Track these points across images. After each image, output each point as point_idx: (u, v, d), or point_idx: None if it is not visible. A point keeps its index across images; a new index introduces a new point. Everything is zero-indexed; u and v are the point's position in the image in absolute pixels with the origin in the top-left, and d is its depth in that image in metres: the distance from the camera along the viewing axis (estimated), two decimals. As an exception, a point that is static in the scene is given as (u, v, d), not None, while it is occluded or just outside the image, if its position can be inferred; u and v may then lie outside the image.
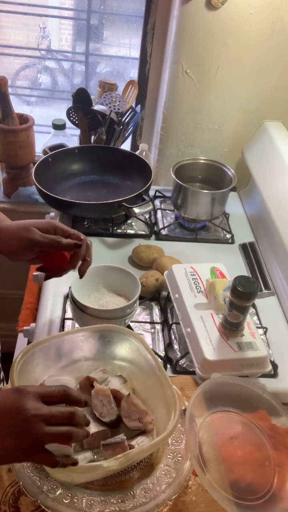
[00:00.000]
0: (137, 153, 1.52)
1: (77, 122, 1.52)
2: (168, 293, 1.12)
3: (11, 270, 1.61)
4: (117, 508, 0.69)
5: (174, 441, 0.79)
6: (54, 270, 0.85)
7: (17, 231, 0.80)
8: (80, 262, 0.85)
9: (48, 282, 1.18)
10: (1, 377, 1.14)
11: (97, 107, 1.49)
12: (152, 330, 1.10)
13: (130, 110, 1.53)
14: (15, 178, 1.66)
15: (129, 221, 1.43)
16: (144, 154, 1.54)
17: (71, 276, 1.02)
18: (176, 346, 1.05)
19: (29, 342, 1.17)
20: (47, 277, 0.87)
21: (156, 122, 1.66)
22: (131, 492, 0.72)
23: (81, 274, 0.86)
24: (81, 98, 1.49)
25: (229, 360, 0.93)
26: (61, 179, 1.47)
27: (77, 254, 0.82)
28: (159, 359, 0.95)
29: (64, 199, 1.28)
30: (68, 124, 1.56)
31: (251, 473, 0.77)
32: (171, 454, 0.77)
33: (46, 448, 0.57)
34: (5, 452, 0.56)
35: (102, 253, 1.30)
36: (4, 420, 0.56)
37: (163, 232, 1.41)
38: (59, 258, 0.82)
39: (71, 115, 1.52)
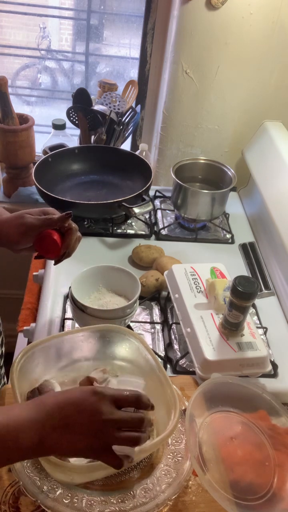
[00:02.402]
0: (137, 153, 1.52)
1: (77, 122, 1.52)
2: (168, 293, 1.12)
3: (11, 270, 1.61)
4: (117, 508, 0.69)
5: (174, 441, 0.79)
6: (48, 256, 0.86)
7: (12, 220, 0.84)
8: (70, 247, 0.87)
9: (48, 282, 1.18)
10: (2, 374, 1.14)
11: (97, 107, 1.49)
12: (152, 330, 1.10)
13: (130, 110, 1.53)
14: (15, 178, 1.66)
15: (129, 221, 1.43)
16: (144, 154, 1.54)
17: (72, 276, 1.02)
18: (176, 346, 1.05)
19: (29, 342, 1.17)
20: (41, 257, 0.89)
21: (156, 122, 1.67)
22: (131, 492, 0.72)
23: (68, 249, 0.87)
24: (81, 98, 1.50)
25: (229, 360, 0.93)
26: (61, 179, 1.47)
27: (67, 238, 0.85)
28: (159, 359, 0.95)
29: (64, 199, 1.28)
30: (68, 124, 1.56)
31: (251, 473, 0.77)
32: (171, 454, 0.77)
33: (113, 450, 0.60)
34: (76, 449, 0.60)
35: (102, 253, 1.30)
36: (81, 419, 0.59)
37: (163, 232, 1.41)
38: (51, 243, 0.83)
39: (71, 115, 1.52)
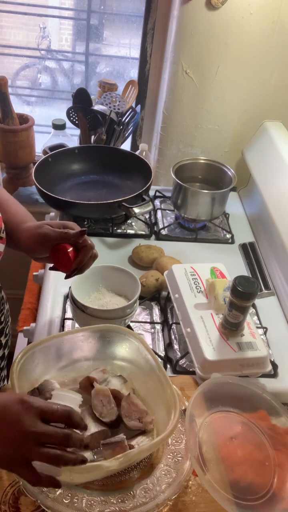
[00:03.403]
0: (137, 153, 1.52)
1: (77, 122, 1.52)
2: (168, 293, 1.12)
3: (12, 270, 1.61)
4: (117, 508, 0.69)
5: (174, 441, 0.79)
6: (60, 269, 0.87)
7: (32, 229, 0.86)
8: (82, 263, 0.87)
9: (48, 282, 1.18)
10: (3, 376, 1.14)
11: (97, 107, 1.49)
12: (152, 330, 1.10)
13: (130, 110, 1.53)
14: (15, 178, 1.66)
15: (129, 221, 1.43)
16: (144, 154, 1.54)
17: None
18: (176, 346, 1.05)
19: (29, 342, 1.17)
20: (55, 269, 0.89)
21: (156, 122, 1.67)
22: (131, 492, 0.72)
23: (80, 266, 0.87)
24: (81, 98, 1.50)
25: (229, 360, 0.93)
26: (61, 179, 1.47)
27: (80, 254, 0.85)
28: (159, 359, 0.95)
29: (64, 199, 1.28)
30: (68, 124, 1.56)
31: (251, 473, 0.77)
32: (171, 454, 0.77)
33: (32, 465, 0.57)
34: None
35: (102, 253, 1.29)
36: (2, 428, 0.57)
37: (163, 232, 1.41)
38: (65, 257, 0.84)
39: (71, 115, 1.52)
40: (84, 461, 0.60)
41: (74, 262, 0.85)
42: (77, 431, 0.64)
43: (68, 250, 0.83)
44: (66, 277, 0.87)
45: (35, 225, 0.87)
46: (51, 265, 0.87)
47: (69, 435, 0.59)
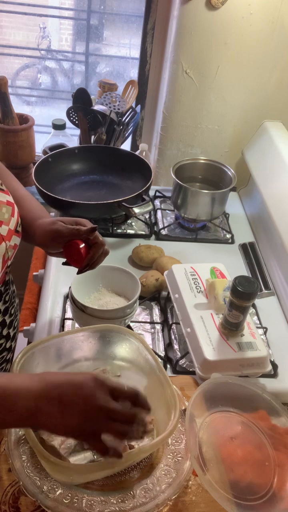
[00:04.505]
0: (137, 153, 1.52)
1: (77, 122, 1.52)
2: (168, 293, 1.12)
3: (12, 270, 1.61)
4: (117, 508, 0.69)
5: (174, 441, 0.79)
6: (73, 264, 0.89)
7: (46, 224, 0.89)
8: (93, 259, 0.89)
9: (48, 282, 1.18)
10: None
11: (97, 107, 1.49)
12: (152, 330, 1.10)
13: (130, 110, 1.53)
14: (15, 178, 1.66)
15: (129, 221, 1.43)
16: (144, 154, 1.54)
17: (72, 276, 1.02)
18: (176, 346, 1.05)
19: (29, 342, 1.17)
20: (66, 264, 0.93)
21: (156, 122, 1.67)
22: (131, 492, 0.72)
23: (91, 262, 0.89)
24: (81, 98, 1.50)
25: (229, 360, 0.93)
26: (61, 179, 1.47)
27: (92, 251, 0.88)
28: (159, 359, 0.95)
29: (64, 199, 1.28)
30: (68, 124, 1.56)
31: (251, 473, 0.77)
32: (171, 454, 0.77)
33: (102, 438, 0.62)
34: (65, 427, 0.62)
35: (102, 253, 1.30)
36: (76, 400, 0.61)
37: (163, 232, 1.41)
38: (76, 253, 0.86)
39: (71, 115, 1.52)
40: (142, 438, 0.66)
41: (86, 258, 0.87)
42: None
43: (80, 246, 0.86)
44: (78, 273, 0.90)
45: (48, 222, 0.89)
46: (64, 260, 0.90)
47: (135, 414, 0.63)
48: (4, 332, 0.98)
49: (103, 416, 0.61)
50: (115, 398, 0.63)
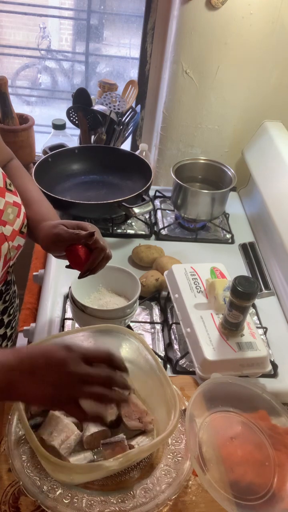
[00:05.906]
0: (137, 153, 1.52)
1: (77, 122, 1.52)
2: (168, 293, 1.12)
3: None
4: (117, 508, 0.69)
5: (174, 441, 0.79)
6: (74, 267, 0.89)
7: (49, 227, 0.88)
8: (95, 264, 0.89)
9: (48, 282, 1.18)
10: None
11: (97, 107, 1.49)
12: (152, 330, 1.10)
13: (130, 110, 1.53)
14: (15, 178, 1.65)
15: (129, 221, 1.43)
16: (144, 154, 1.54)
17: (72, 276, 1.02)
18: (176, 346, 1.05)
19: (29, 342, 1.17)
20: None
21: (156, 122, 1.66)
22: (131, 492, 0.72)
23: (92, 267, 0.89)
24: (81, 98, 1.50)
25: (229, 360, 0.93)
26: (61, 179, 1.47)
27: (92, 256, 0.87)
28: (159, 359, 0.95)
29: (64, 199, 1.28)
30: (68, 124, 1.56)
31: (251, 473, 0.77)
32: (171, 454, 0.77)
33: (80, 404, 0.62)
34: (41, 397, 0.62)
35: (102, 253, 1.30)
36: (50, 370, 0.62)
37: (163, 232, 1.41)
38: (77, 257, 0.86)
39: (71, 115, 1.52)
40: (125, 400, 0.66)
41: (86, 263, 0.86)
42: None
43: (80, 252, 0.85)
44: (79, 277, 0.89)
45: (51, 225, 0.88)
46: (67, 263, 0.90)
47: (112, 375, 0.64)
48: (1, 332, 0.98)
49: (77, 381, 0.62)
50: (88, 363, 0.63)
